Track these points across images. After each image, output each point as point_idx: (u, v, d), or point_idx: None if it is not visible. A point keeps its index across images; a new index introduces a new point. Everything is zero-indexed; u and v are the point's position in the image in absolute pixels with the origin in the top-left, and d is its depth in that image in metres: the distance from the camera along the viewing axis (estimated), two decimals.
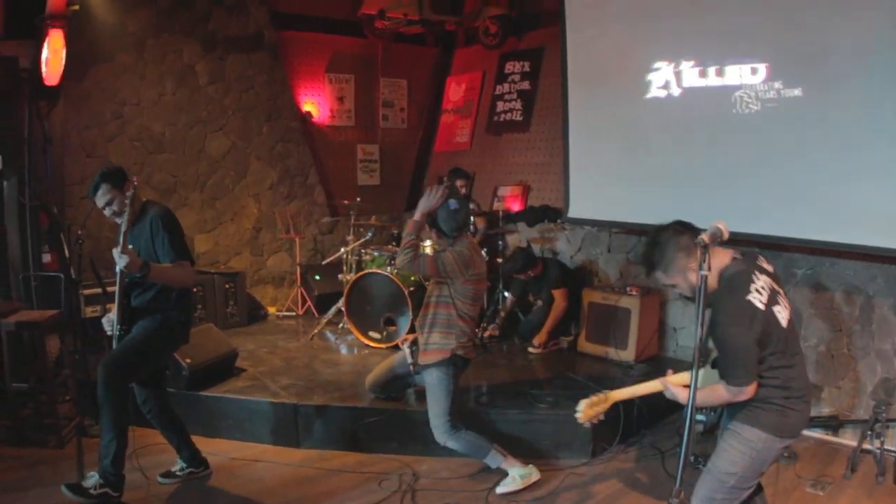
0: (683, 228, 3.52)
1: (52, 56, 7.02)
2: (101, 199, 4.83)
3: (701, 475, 3.66)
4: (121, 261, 4.50)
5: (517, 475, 5.31)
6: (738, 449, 3.54)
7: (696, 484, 3.64)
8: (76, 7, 7.12)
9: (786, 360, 3.47)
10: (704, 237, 3.11)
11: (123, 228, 4.67)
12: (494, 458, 5.34)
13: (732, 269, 3.47)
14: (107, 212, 4.86)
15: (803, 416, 3.57)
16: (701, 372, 3.54)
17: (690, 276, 3.47)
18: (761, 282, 3.47)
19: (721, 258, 3.48)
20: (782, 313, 3.50)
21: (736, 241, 3.55)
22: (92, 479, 4.67)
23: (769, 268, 3.63)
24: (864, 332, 6.22)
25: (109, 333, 4.93)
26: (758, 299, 3.39)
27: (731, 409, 3.61)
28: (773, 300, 3.47)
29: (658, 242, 3.53)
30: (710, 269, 3.12)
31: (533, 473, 5.37)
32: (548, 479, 5.48)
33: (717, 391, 3.44)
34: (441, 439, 5.36)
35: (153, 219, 4.83)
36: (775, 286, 3.55)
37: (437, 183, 9.72)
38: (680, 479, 2.99)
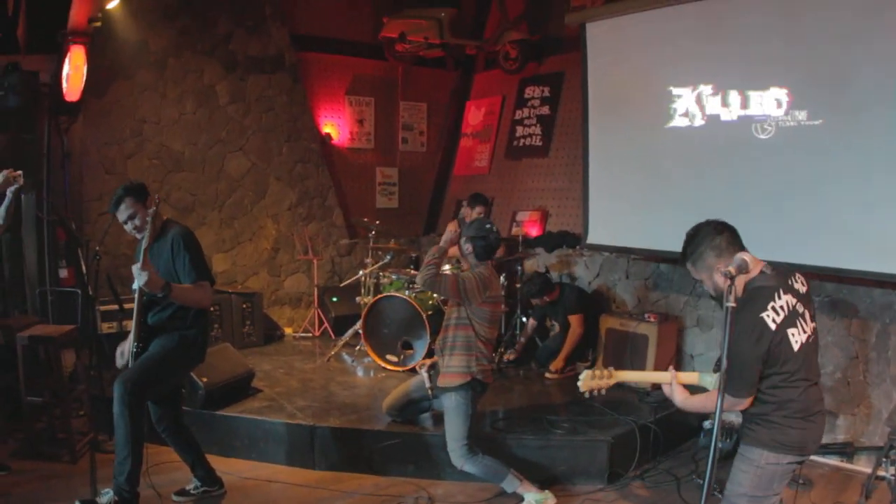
0: (723, 228, 3.54)
1: (74, 72, 7.08)
2: (123, 214, 4.81)
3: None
4: (140, 278, 4.48)
5: (533, 500, 5.27)
6: (742, 469, 3.57)
7: None
8: (98, 23, 7.18)
9: (790, 383, 3.45)
10: (731, 269, 3.11)
11: (144, 245, 4.64)
12: (511, 483, 5.30)
13: (758, 282, 3.47)
14: (128, 226, 4.85)
15: (809, 434, 3.54)
16: (710, 378, 3.62)
17: (717, 277, 3.48)
18: (782, 300, 3.45)
19: (751, 270, 3.47)
20: (797, 336, 3.47)
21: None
22: (106, 495, 4.65)
23: (802, 287, 3.61)
24: (880, 359, 6.16)
25: (119, 367, 4.94)
26: (771, 318, 3.38)
27: (741, 432, 3.63)
28: (789, 322, 3.44)
29: (695, 235, 3.57)
30: (733, 298, 3.07)
31: (549, 498, 5.31)
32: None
33: (713, 397, 3.37)
34: (458, 463, 5.32)
35: (175, 238, 4.81)
36: (800, 307, 3.52)
37: (457, 207, 9.75)
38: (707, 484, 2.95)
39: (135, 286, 4.58)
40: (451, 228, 5.53)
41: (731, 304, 3.01)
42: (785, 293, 3.48)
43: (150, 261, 4.71)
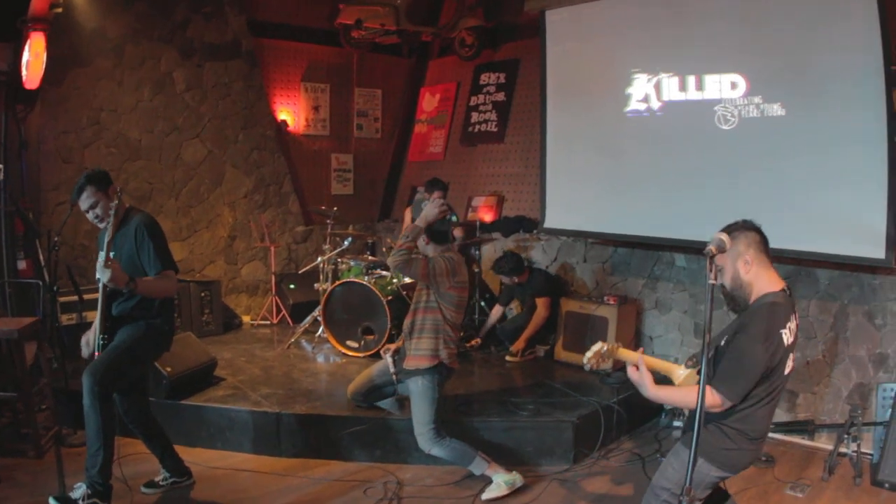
0: (759, 229, 3.63)
1: (34, 59, 6.96)
2: (84, 203, 4.74)
3: None
4: (104, 274, 4.43)
5: (502, 481, 5.33)
6: (673, 465, 3.65)
7: None
8: (59, 10, 7.06)
9: (764, 403, 3.51)
10: (711, 247, 3.16)
11: (107, 238, 4.54)
12: (479, 465, 5.36)
13: (779, 298, 3.52)
14: (90, 215, 4.78)
15: (747, 457, 3.62)
16: (682, 372, 3.66)
17: (739, 266, 3.55)
18: (792, 324, 3.55)
19: (773, 283, 3.57)
20: (790, 362, 3.59)
21: None
22: (79, 489, 4.60)
23: (797, 318, 3.68)
24: (839, 339, 6.33)
25: (86, 357, 4.88)
26: (786, 337, 3.46)
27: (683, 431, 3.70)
28: (792, 347, 3.55)
29: (737, 223, 3.63)
30: (745, 281, 3.43)
31: (517, 480, 5.38)
32: (531, 485, 5.51)
33: (691, 394, 3.37)
34: (426, 447, 5.36)
35: (138, 227, 4.76)
36: (796, 335, 3.62)
37: (412, 193, 9.77)
38: (689, 478, 3.00)
39: (98, 277, 4.54)
40: (433, 202, 5.45)
41: (713, 281, 3.07)
42: (793, 318, 3.57)
43: (114, 249, 4.66)
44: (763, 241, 3.60)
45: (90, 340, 4.85)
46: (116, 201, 4.65)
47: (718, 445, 3.53)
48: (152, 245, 4.73)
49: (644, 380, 3.57)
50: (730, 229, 3.57)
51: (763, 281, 3.56)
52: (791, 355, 3.57)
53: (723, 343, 3.55)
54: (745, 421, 3.50)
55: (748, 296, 3.58)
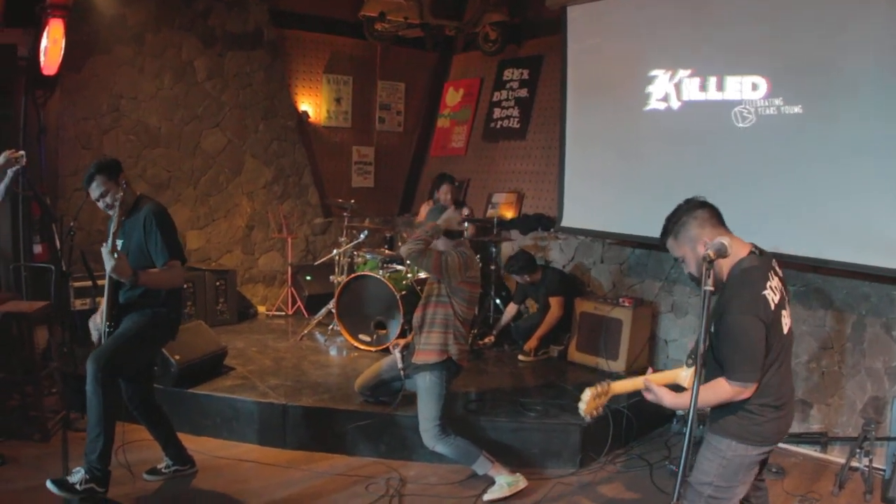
0: (705, 204, 3.51)
1: (52, 45, 6.99)
2: (95, 191, 4.77)
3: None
4: (109, 262, 4.46)
5: (504, 483, 5.29)
6: (708, 457, 3.54)
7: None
8: None
9: (772, 370, 3.42)
10: (710, 252, 3.08)
11: (113, 228, 4.59)
12: (483, 465, 5.32)
13: (748, 262, 3.41)
14: (100, 204, 4.81)
15: (778, 425, 3.52)
16: (686, 373, 3.54)
17: (699, 249, 3.41)
18: (775, 281, 3.44)
19: (738, 249, 3.43)
20: (786, 319, 3.48)
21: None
22: (78, 474, 4.61)
23: (780, 273, 3.58)
24: (856, 350, 6.22)
25: (95, 340, 4.90)
26: (770, 297, 3.35)
27: (710, 419, 3.57)
28: (781, 304, 3.44)
29: (676, 210, 3.53)
30: (711, 281, 3.07)
31: (520, 481, 5.34)
32: (536, 487, 5.46)
33: (718, 388, 3.35)
34: (430, 443, 5.33)
35: (147, 215, 4.77)
36: (784, 291, 3.53)
37: (432, 188, 9.73)
38: (677, 493, 2.94)
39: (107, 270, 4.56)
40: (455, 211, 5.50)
41: (710, 287, 2.98)
42: (774, 275, 3.47)
43: (123, 237, 4.70)
44: (714, 213, 3.49)
45: (98, 324, 4.86)
46: (122, 192, 4.65)
47: (749, 425, 3.44)
48: (160, 234, 4.74)
49: (660, 397, 3.48)
50: (675, 218, 3.50)
51: (725, 258, 3.36)
52: (784, 312, 3.46)
53: (712, 329, 3.40)
54: (763, 394, 3.40)
55: (721, 274, 3.45)
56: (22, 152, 5.39)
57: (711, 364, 3.42)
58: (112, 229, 4.57)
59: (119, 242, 4.66)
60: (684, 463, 2.97)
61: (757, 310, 3.29)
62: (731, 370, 3.31)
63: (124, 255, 4.57)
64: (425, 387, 5.37)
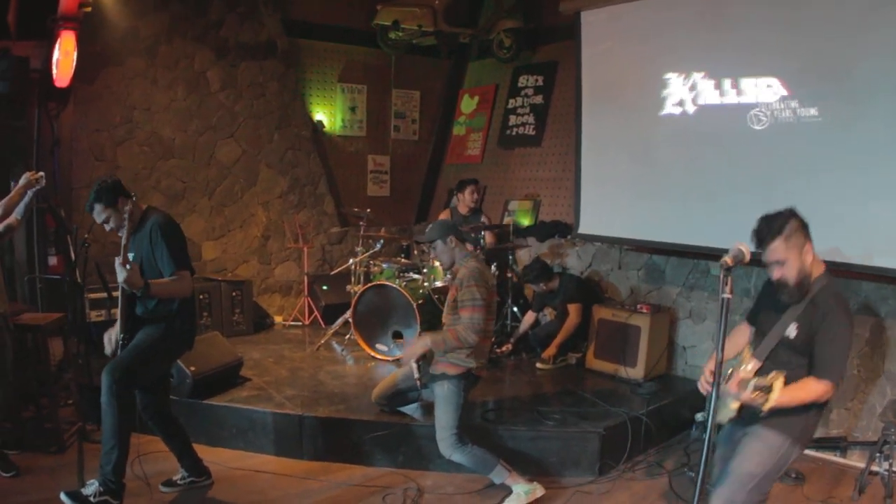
0: (799, 215, 3.65)
1: (64, 58, 7.02)
2: (97, 217, 4.80)
3: (722, 477, 3.69)
4: (121, 274, 4.47)
5: (521, 492, 5.23)
6: (759, 450, 3.62)
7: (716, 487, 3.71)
8: (88, 9, 7.11)
9: None
10: (727, 259, 3.11)
11: (124, 241, 4.61)
12: (500, 474, 5.26)
13: (832, 278, 3.70)
14: (106, 227, 4.83)
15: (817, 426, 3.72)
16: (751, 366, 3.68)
17: (806, 257, 3.59)
18: None
19: (819, 263, 3.70)
20: None
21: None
22: (92, 486, 4.59)
23: None
24: (875, 354, 6.15)
25: (108, 354, 4.90)
26: None
27: (752, 414, 3.57)
28: None
29: (779, 216, 3.62)
30: (807, 269, 3.60)
31: (537, 490, 5.28)
32: (554, 496, 5.41)
33: (809, 386, 3.49)
34: (447, 452, 5.28)
35: (153, 227, 4.77)
36: None
37: (449, 196, 9.73)
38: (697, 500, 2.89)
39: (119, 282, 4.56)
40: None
41: (728, 295, 3.00)
42: None
43: (132, 250, 4.71)
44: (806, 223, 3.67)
45: (112, 338, 4.86)
46: (130, 207, 4.64)
47: (809, 428, 3.67)
48: (166, 246, 4.73)
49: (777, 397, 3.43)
50: (783, 221, 3.59)
51: (815, 263, 3.67)
52: None
53: (792, 334, 3.62)
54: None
55: (809, 282, 3.64)
56: (41, 173, 5.46)
57: (785, 363, 3.60)
58: (123, 241, 4.59)
59: (130, 255, 4.65)
60: (703, 470, 2.93)
61: (851, 325, 3.57)
62: (826, 370, 3.49)
63: (136, 266, 4.57)
64: (443, 395, 5.33)
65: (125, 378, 4.61)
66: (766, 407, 3.31)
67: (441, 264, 5.85)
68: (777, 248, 3.58)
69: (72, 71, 7.15)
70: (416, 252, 8.62)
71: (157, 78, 8.36)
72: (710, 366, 3.69)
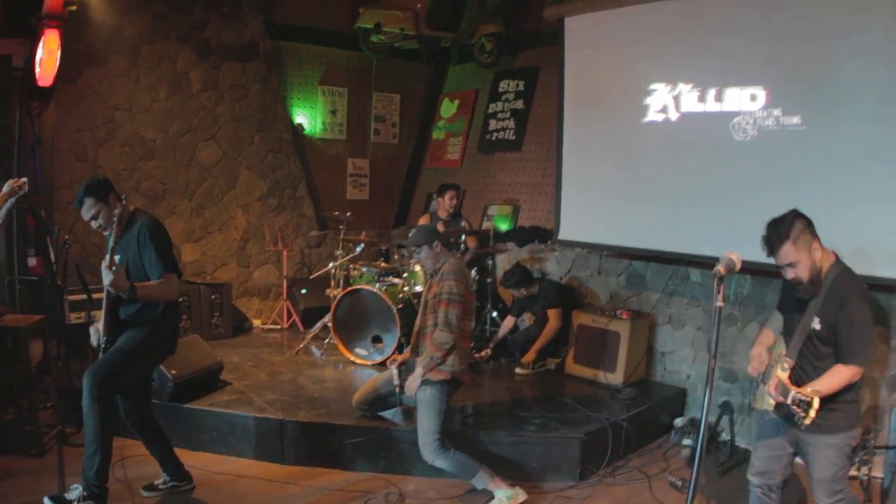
0: (803, 215, 3.87)
1: (47, 56, 6.97)
2: (86, 213, 4.78)
3: (811, 485, 4.09)
4: (107, 277, 4.44)
5: (504, 497, 5.26)
6: (827, 455, 3.94)
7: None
8: (74, 7, 7.07)
9: None
10: (720, 268, 3.22)
11: (111, 244, 4.58)
12: (482, 479, 5.29)
13: (843, 264, 3.93)
14: (93, 224, 4.81)
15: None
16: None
17: (815, 255, 3.82)
18: None
19: (826, 252, 3.93)
20: None
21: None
22: (75, 490, 4.58)
23: None
24: None
25: (95, 345, 4.87)
26: None
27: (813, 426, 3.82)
28: None
29: (784, 219, 3.83)
30: (818, 266, 3.84)
31: (519, 495, 5.31)
32: (536, 501, 5.43)
33: (839, 373, 3.71)
34: (429, 458, 5.30)
35: (141, 229, 4.75)
36: None
37: (428, 199, 9.73)
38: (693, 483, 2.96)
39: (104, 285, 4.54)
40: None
41: (720, 303, 3.09)
42: None
43: (119, 252, 4.68)
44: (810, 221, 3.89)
45: (99, 328, 4.83)
46: (119, 210, 4.61)
47: (853, 411, 3.94)
48: (154, 248, 4.72)
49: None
50: (789, 225, 3.82)
51: (825, 256, 3.90)
52: None
53: (818, 327, 3.84)
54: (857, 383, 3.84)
55: (821, 276, 3.87)
56: (24, 179, 5.42)
57: (815, 354, 3.89)
58: (110, 245, 4.55)
59: (116, 257, 4.62)
60: (696, 475, 2.97)
61: (870, 300, 3.81)
62: (851, 354, 3.69)
63: (122, 269, 4.54)
64: (426, 400, 5.35)
65: (107, 381, 4.59)
66: (806, 422, 3.56)
67: (424, 269, 5.85)
68: (787, 252, 3.80)
69: (55, 70, 7.09)
70: (396, 256, 8.62)
71: (140, 78, 8.32)
72: (756, 352, 4.18)
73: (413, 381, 5.38)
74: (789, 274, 3.88)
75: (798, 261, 3.80)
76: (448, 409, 5.45)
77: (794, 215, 3.85)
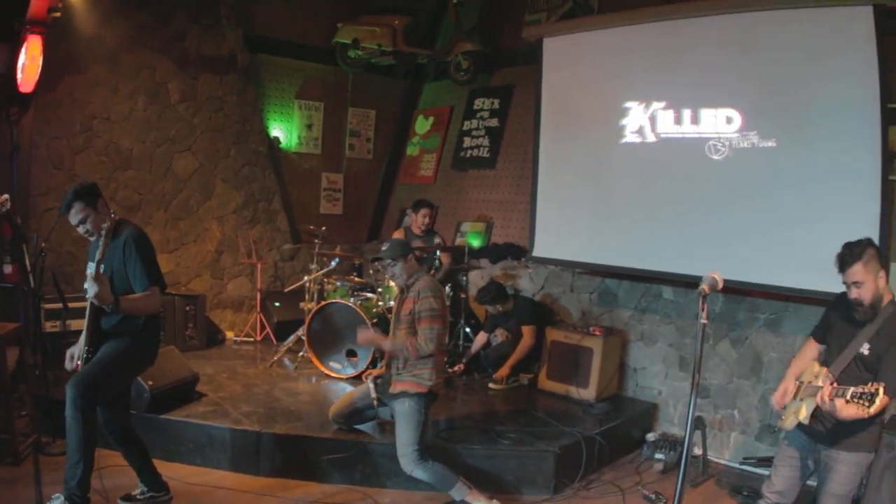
0: (876, 245, 4.20)
1: (30, 63, 6.94)
2: (74, 218, 4.75)
3: (822, 498, 4.30)
4: (92, 288, 4.44)
5: None
6: (846, 472, 4.18)
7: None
8: (58, 14, 7.04)
9: None
10: (705, 287, 3.35)
11: (99, 255, 4.54)
12: (460, 491, 5.34)
13: None
14: (80, 230, 4.79)
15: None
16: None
17: (880, 282, 4.10)
18: None
19: (889, 289, 4.17)
20: None
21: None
22: (57, 500, 4.58)
23: None
24: None
25: (69, 369, 4.86)
26: None
27: (832, 439, 4.20)
28: None
29: (860, 243, 4.13)
30: (881, 293, 4.11)
31: None
32: None
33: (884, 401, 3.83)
34: (408, 468, 5.34)
35: (127, 240, 4.75)
36: None
37: (401, 215, 9.77)
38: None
39: (86, 288, 4.52)
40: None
41: (704, 320, 3.21)
42: None
43: (104, 262, 4.64)
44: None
45: (75, 354, 4.83)
46: (108, 222, 4.61)
47: (875, 434, 4.21)
48: (140, 261, 4.73)
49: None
50: (862, 248, 4.10)
51: (886, 290, 4.15)
52: None
53: (866, 352, 4.10)
54: None
55: (881, 304, 4.12)
56: (6, 196, 5.40)
57: (856, 377, 4.06)
58: (98, 256, 4.52)
59: (101, 268, 4.61)
60: (681, 486, 3.04)
61: None
62: (891, 388, 3.82)
63: (107, 282, 4.54)
64: (404, 413, 5.40)
65: (90, 392, 4.58)
66: (872, 411, 3.71)
67: (396, 283, 5.89)
68: (857, 271, 4.07)
69: (37, 76, 7.06)
70: (371, 271, 8.65)
71: (119, 87, 8.29)
72: (784, 387, 4.42)
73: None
74: (853, 293, 4.13)
75: (864, 282, 4.06)
76: (427, 421, 5.52)
77: (869, 242, 4.13)
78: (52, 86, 7.71)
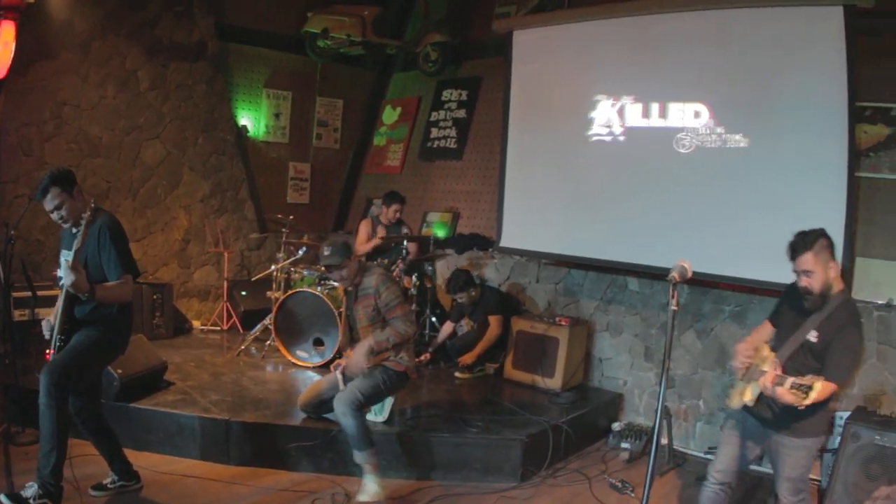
0: (828, 236, 4.20)
1: (2, 48, 6.90)
2: (49, 203, 4.70)
3: (778, 482, 4.39)
4: (68, 277, 4.45)
5: (372, 484, 5.44)
6: (799, 456, 4.28)
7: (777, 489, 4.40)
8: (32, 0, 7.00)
9: None
10: (675, 275, 3.42)
11: (77, 245, 4.56)
12: (367, 458, 5.45)
13: (848, 293, 4.34)
14: (54, 216, 4.76)
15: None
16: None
17: (830, 273, 4.13)
18: None
19: (839, 279, 4.24)
20: None
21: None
22: (31, 488, 4.56)
23: None
24: None
25: (48, 338, 4.85)
26: None
27: (780, 425, 4.25)
28: None
29: (812, 233, 4.17)
30: (830, 283, 4.15)
31: (380, 493, 5.43)
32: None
33: (829, 389, 3.90)
34: (341, 409, 5.40)
35: (101, 228, 4.74)
36: None
37: (367, 205, 9.79)
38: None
39: (59, 274, 4.53)
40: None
41: (675, 307, 3.31)
42: None
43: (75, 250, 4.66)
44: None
45: (52, 324, 4.81)
46: (88, 212, 4.62)
47: (824, 420, 4.34)
48: (114, 249, 4.73)
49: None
50: (813, 238, 4.14)
51: (837, 280, 4.21)
52: None
53: (813, 339, 4.15)
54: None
55: (830, 294, 4.17)
56: None
57: (802, 364, 4.17)
58: (76, 245, 4.54)
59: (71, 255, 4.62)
60: (651, 473, 3.13)
61: (863, 333, 4.25)
62: (838, 373, 4.00)
63: (83, 270, 4.55)
64: (371, 374, 5.58)
65: (64, 380, 4.58)
66: (806, 403, 3.77)
67: (343, 285, 5.87)
68: (807, 260, 4.12)
69: (9, 62, 7.00)
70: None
71: (89, 74, 8.24)
72: (742, 349, 4.41)
73: (358, 358, 5.52)
74: (803, 281, 4.17)
75: (814, 271, 4.10)
76: (385, 395, 5.76)
77: (822, 232, 4.17)
78: (22, 71, 7.64)
